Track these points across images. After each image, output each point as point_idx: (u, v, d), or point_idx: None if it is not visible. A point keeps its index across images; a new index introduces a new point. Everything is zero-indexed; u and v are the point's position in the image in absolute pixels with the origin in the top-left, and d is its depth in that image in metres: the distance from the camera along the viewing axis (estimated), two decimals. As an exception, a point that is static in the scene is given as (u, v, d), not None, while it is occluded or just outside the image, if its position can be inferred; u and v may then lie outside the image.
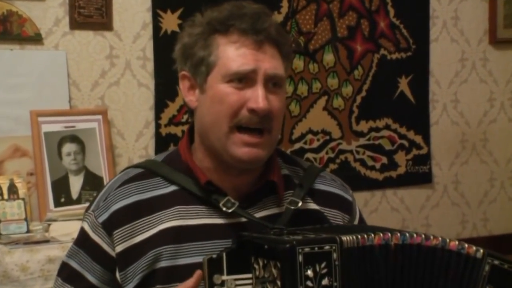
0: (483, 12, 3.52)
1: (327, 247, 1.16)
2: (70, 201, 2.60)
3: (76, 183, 2.63)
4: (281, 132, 1.45)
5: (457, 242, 1.25)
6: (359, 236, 1.21)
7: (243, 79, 1.33)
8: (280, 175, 1.44)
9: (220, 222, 1.37)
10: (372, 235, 1.22)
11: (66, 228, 2.36)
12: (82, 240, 1.42)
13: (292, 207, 1.39)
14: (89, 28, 2.76)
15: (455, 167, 3.52)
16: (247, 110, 1.33)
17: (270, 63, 1.34)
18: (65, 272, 1.44)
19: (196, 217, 1.37)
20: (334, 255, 1.16)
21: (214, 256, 1.24)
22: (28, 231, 2.41)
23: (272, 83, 1.35)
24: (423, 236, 1.24)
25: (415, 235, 1.24)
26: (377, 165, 3.33)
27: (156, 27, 2.86)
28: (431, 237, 1.24)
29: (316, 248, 1.15)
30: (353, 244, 1.19)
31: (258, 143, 1.34)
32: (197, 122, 1.41)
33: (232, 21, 1.35)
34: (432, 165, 3.46)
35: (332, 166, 3.22)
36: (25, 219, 2.43)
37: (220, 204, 1.35)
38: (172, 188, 1.39)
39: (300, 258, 1.13)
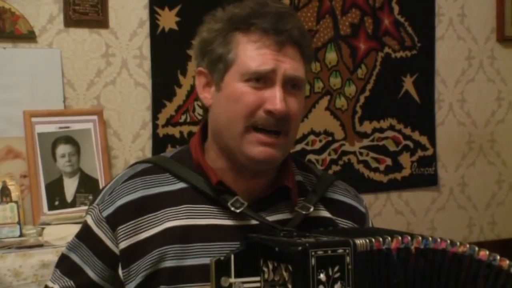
0: (491, 9, 3.51)
1: (340, 251, 1.15)
2: (64, 204, 2.59)
3: (70, 186, 2.62)
4: (296, 137, 1.44)
5: (487, 252, 1.23)
6: (374, 240, 1.20)
7: (262, 79, 1.33)
8: (294, 181, 1.44)
9: (229, 223, 1.36)
10: (389, 238, 1.21)
11: (60, 232, 2.35)
12: (85, 233, 1.42)
13: (304, 212, 1.39)
14: (84, 26, 2.76)
15: (462, 168, 3.52)
16: (263, 111, 1.32)
17: (290, 64, 1.34)
18: (65, 264, 1.44)
19: (205, 217, 1.36)
20: (348, 259, 1.15)
21: (222, 257, 1.23)
22: (21, 235, 2.40)
23: (291, 85, 1.35)
24: (448, 241, 1.23)
25: (439, 240, 1.23)
26: (381, 167, 3.33)
27: (153, 24, 2.85)
28: (458, 244, 1.23)
29: (329, 251, 1.14)
30: (367, 247, 1.19)
31: (273, 143, 1.34)
32: (211, 121, 1.41)
33: (254, 19, 1.35)
34: (438, 166, 3.45)
35: (335, 168, 3.21)
36: (18, 223, 2.42)
37: (229, 204, 1.35)
38: (181, 185, 1.39)
39: (313, 261, 1.13)
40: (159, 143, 2.86)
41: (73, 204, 2.59)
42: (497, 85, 3.57)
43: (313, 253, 1.13)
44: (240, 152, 1.34)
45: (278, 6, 1.38)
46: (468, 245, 1.23)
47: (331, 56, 3.20)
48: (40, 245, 2.30)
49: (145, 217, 1.36)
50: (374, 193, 3.31)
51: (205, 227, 1.35)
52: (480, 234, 3.56)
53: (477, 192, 3.55)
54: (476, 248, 1.23)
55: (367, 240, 1.19)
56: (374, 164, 3.31)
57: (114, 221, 1.37)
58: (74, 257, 1.43)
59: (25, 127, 2.58)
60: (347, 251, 1.15)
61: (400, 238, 1.21)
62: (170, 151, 1.50)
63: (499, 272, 1.22)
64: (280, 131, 1.34)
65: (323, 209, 1.45)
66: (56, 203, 2.58)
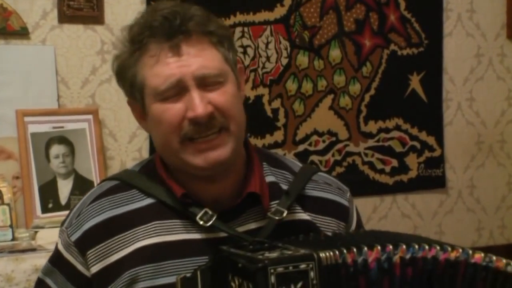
0: (501, 4, 3.51)
1: (303, 266, 1.12)
2: (58, 207, 2.59)
3: (65, 188, 2.62)
4: (243, 126, 1.40)
5: (482, 254, 1.20)
6: (345, 251, 1.16)
7: (175, 91, 1.31)
8: (264, 184, 1.41)
9: (199, 237, 1.35)
10: (366, 248, 1.18)
11: (54, 236, 2.32)
12: (56, 258, 1.42)
13: (276, 218, 1.36)
14: (79, 22, 2.76)
15: (471, 170, 3.51)
16: (188, 121, 1.30)
17: (196, 63, 1.31)
18: None
19: (174, 232, 1.35)
20: (312, 274, 1.12)
21: (188, 275, 1.22)
22: (13, 238, 2.40)
23: (209, 81, 1.32)
24: (438, 247, 1.20)
25: (427, 247, 1.19)
26: (387, 169, 3.32)
27: (151, 20, 2.85)
28: (449, 249, 1.20)
29: (290, 267, 1.11)
30: (334, 260, 1.15)
31: (215, 145, 1.32)
32: (155, 147, 1.41)
33: (143, 34, 1.33)
34: (446, 168, 3.45)
35: (339, 169, 3.21)
36: (10, 226, 2.42)
37: (197, 218, 1.33)
38: (148, 201, 1.38)
39: (273, 279, 1.10)
40: (156, 143, 2.86)
41: (67, 206, 2.58)
42: (507, 83, 3.57)
43: (272, 271, 1.10)
44: (187, 164, 1.33)
45: (166, 7, 1.34)
46: (461, 249, 1.20)
47: (335, 53, 3.20)
48: (33, 249, 2.30)
49: (114, 238, 1.35)
50: (379, 195, 3.31)
51: (176, 243, 1.34)
52: (489, 238, 3.56)
53: (486, 194, 3.55)
54: (470, 251, 1.20)
55: (334, 253, 1.15)
56: (379, 166, 3.30)
57: (83, 245, 1.37)
58: (49, 282, 1.43)
59: (18, 126, 2.58)
60: (311, 265, 1.12)
61: (379, 247, 1.18)
62: (138, 163, 1.49)
63: (497, 273, 1.19)
64: (214, 131, 1.32)
65: (300, 211, 1.42)
66: (50, 205, 2.58)
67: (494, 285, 1.20)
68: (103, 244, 1.35)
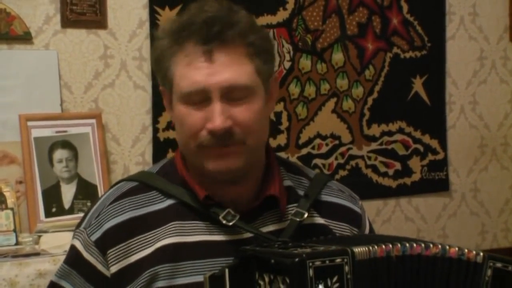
0: (503, 7, 3.51)
1: (338, 260, 1.15)
2: (62, 211, 2.59)
3: (68, 192, 2.62)
4: (265, 137, 1.42)
5: (457, 249, 1.25)
6: (376, 246, 1.20)
7: (199, 97, 1.31)
8: (282, 188, 1.43)
9: (220, 239, 1.37)
10: (376, 247, 1.21)
11: (57, 240, 2.35)
12: (75, 259, 1.41)
13: (298, 219, 1.39)
14: (82, 26, 2.76)
15: (474, 173, 3.51)
16: (206, 131, 1.31)
17: (226, 73, 1.30)
18: None
19: (195, 233, 1.37)
20: (346, 268, 1.15)
21: (216, 272, 1.23)
22: (17, 243, 2.40)
23: (235, 95, 1.31)
24: (423, 245, 1.24)
25: (415, 245, 1.24)
26: (390, 172, 3.32)
27: (153, 25, 2.86)
28: (431, 246, 1.25)
29: (327, 261, 1.14)
30: (366, 255, 1.19)
31: (227, 153, 1.33)
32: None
33: (181, 33, 1.32)
34: (449, 171, 3.45)
35: (342, 173, 3.21)
36: (14, 231, 2.42)
37: (220, 217, 1.34)
38: (169, 202, 1.39)
39: (311, 272, 1.12)
40: (159, 147, 2.86)
41: (70, 211, 2.59)
42: (510, 86, 3.57)
43: (310, 264, 1.12)
44: (202, 167, 1.35)
45: (212, 10, 1.33)
46: (440, 245, 1.25)
47: (338, 56, 3.20)
48: (37, 254, 2.30)
49: (135, 239, 1.36)
50: (383, 198, 3.31)
51: (197, 244, 1.35)
52: (493, 241, 3.56)
53: (490, 197, 3.54)
54: (447, 247, 1.25)
55: (367, 248, 1.19)
56: (382, 169, 3.30)
57: (103, 245, 1.37)
58: (65, 284, 1.42)
59: (21, 131, 2.58)
60: (346, 260, 1.15)
61: (383, 246, 1.22)
62: (155, 165, 1.50)
63: (468, 264, 1.25)
64: (228, 144, 1.32)
65: (316, 215, 1.45)
66: (53, 210, 2.58)
67: (466, 275, 1.25)
68: (123, 244, 1.36)
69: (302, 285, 1.12)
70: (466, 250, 1.25)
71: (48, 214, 2.57)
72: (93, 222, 1.39)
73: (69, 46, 2.75)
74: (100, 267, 1.37)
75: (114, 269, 1.35)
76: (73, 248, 1.42)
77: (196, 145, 1.33)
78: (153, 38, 2.81)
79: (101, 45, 2.80)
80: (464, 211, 3.49)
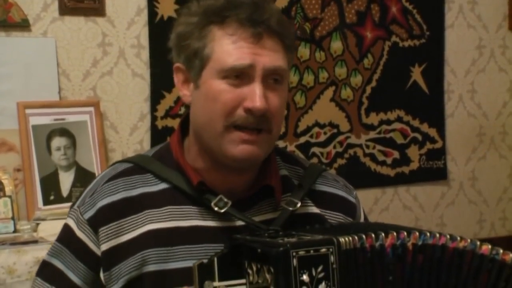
0: (502, -4, 3.51)
1: (323, 250, 1.14)
2: (60, 199, 2.60)
3: (66, 180, 2.62)
4: (281, 131, 1.46)
5: (490, 246, 1.23)
6: (364, 236, 1.19)
7: (240, 75, 1.32)
8: (278, 177, 1.44)
9: (213, 224, 1.37)
10: (383, 234, 1.21)
11: (55, 228, 2.32)
12: (67, 237, 1.42)
13: (290, 208, 1.39)
14: (80, 14, 2.76)
15: (472, 162, 3.52)
16: (243, 110, 1.32)
17: (269, 56, 1.32)
18: (47, 271, 1.43)
19: (187, 218, 1.37)
20: (332, 258, 1.14)
21: (205, 261, 1.23)
22: (15, 230, 2.41)
23: (273, 79, 1.34)
24: (448, 236, 1.23)
25: (437, 235, 1.23)
26: (389, 160, 3.33)
27: (152, 12, 2.85)
28: (458, 238, 1.23)
29: (311, 251, 1.14)
30: (352, 245, 1.18)
31: (255, 141, 1.33)
32: (192, 119, 1.40)
33: (228, 11, 1.33)
34: (447, 160, 3.45)
35: (340, 161, 3.21)
36: (12, 218, 2.43)
37: (212, 204, 1.35)
38: (163, 185, 1.40)
39: (295, 262, 1.12)
40: (158, 135, 2.86)
41: (69, 198, 2.59)
42: (509, 75, 3.57)
43: (294, 254, 1.12)
44: (221, 151, 1.34)
45: None
46: (469, 240, 1.23)
47: (337, 45, 3.19)
48: (35, 241, 2.31)
49: (127, 219, 1.37)
50: (381, 187, 3.31)
51: (189, 229, 1.36)
52: (491, 230, 3.56)
53: (488, 186, 3.55)
54: (478, 243, 1.23)
55: (352, 238, 1.18)
56: (381, 157, 3.31)
57: (95, 223, 1.37)
58: (56, 262, 1.42)
59: (19, 119, 2.58)
60: (331, 249, 1.15)
61: (395, 234, 1.21)
62: (151, 149, 1.50)
63: (503, 266, 1.22)
64: (261, 128, 1.33)
65: (311, 204, 1.46)
66: (52, 197, 2.58)
67: (499, 277, 1.22)
68: (115, 223, 1.36)
69: (286, 275, 1.12)
70: (501, 251, 1.23)
71: (46, 201, 2.57)
72: (87, 201, 1.40)
73: (67, 34, 2.74)
74: (91, 245, 1.38)
75: (104, 247, 1.36)
76: (66, 226, 1.43)
77: (226, 125, 1.32)
78: (153, 23, 2.82)
79: (99, 32, 2.79)
80: (462, 199, 3.50)
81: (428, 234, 1.23)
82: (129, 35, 2.84)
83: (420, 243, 1.22)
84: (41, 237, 2.34)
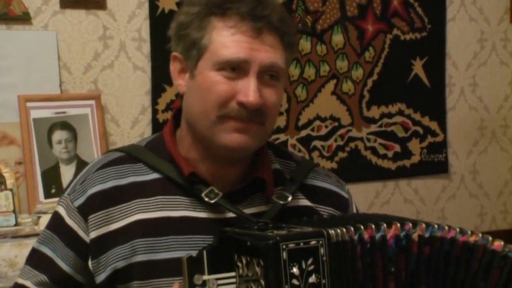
0: (504, -11, 3.50)
1: (313, 242, 1.14)
2: (61, 192, 2.59)
3: (67, 173, 2.62)
4: (274, 127, 1.47)
5: (502, 243, 1.22)
6: (360, 227, 1.19)
7: (236, 69, 1.32)
8: (270, 171, 1.44)
9: (204, 216, 1.37)
10: (384, 225, 1.20)
11: (57, 221, 2.35)
12: (56, 224, 1.42)
13: (281, 202, 1.40)
14: (81, 7, 2.75)
15: (473, 155, 3.52)
16: (236, 103, 1.32)
17: (267, 52, 1.33)
18: (36, 258, 1.44)
19: (178, 208, 1.37)
20: (322, 251, 1.14)
21: (194, 254, 1.23)
22: (16, 224, 2.41)
23: (269, 75, 1.34)
24: (457, 229, 1.22)
25: (446, 228, 1.22)
26: (390, 154, 3.33)
27: (153, 5, 2.85)
28: (468, 232, 1.22)
29: (301, 244, 1.13)
30: (347, 237, 1.18)
31: (248, 129, 1.33)
32: (185, 109, 1.41)
33: (230, 4, 1.33)
34: (449, 153, 3.45)
35: (342, 155, 3.21)
36: (13, 211, 2.43)
37: (203, 194, 1.35)
38: (154, 175, 1.40)
39: (284, 255, 1.12)
40: (158, 128, 2.85)
41: (70, 192, 2.59)
42: (511, 68, 3.56)
43: (284, 247, 1.12)
44: (214, 140, 1.34)
45: None
46: (480, 235, 1.22)
47: (338, 38, 3.19)
48: (36, 234, 2.27)
49: (116, 207, 1.37)
50: (382, 180, 3.31)
51: (179, 219, 1.36)
52: (492, 223, 3.56)
53: (489, 180, 3.55)
54: (490, 238, 1.22)
55: (347, 230, 1.18)
56: (382, 151, 3.31)
57: (85, 210, 1.38)
58: (45, 250, 1.43)
59: (20, 112, 2.58)
60: (321, 242, 1.14)
61: (399, 225, 1.20)
62: (144, 139, 1.50)
63: None
64: (253, 120, 1.34)
65: (303, 198, 1.46)
66: (53, 191, 2.59)
67: (510, 275, 1.21)
68: (105, 211, 1.37)
69: (276, 268, 1.12)
70: None
71: (48, 195, 2.57)
72: (78, 188, 1.40)
73: (68, 27, 2.74)
74: (81, 232, 1.38)
75: (93, 234, 1.36)
76: (56, 213, 1.43)
77: (219, 115, 1.32)
78: (154, 17, 2.82)
79: (100, 26, 2.79)
80: (463, 193, 3.50)
81: (436, 226, 1.22)
82: (130, 28, 2.83)
83: (427, 235, 1.21)
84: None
